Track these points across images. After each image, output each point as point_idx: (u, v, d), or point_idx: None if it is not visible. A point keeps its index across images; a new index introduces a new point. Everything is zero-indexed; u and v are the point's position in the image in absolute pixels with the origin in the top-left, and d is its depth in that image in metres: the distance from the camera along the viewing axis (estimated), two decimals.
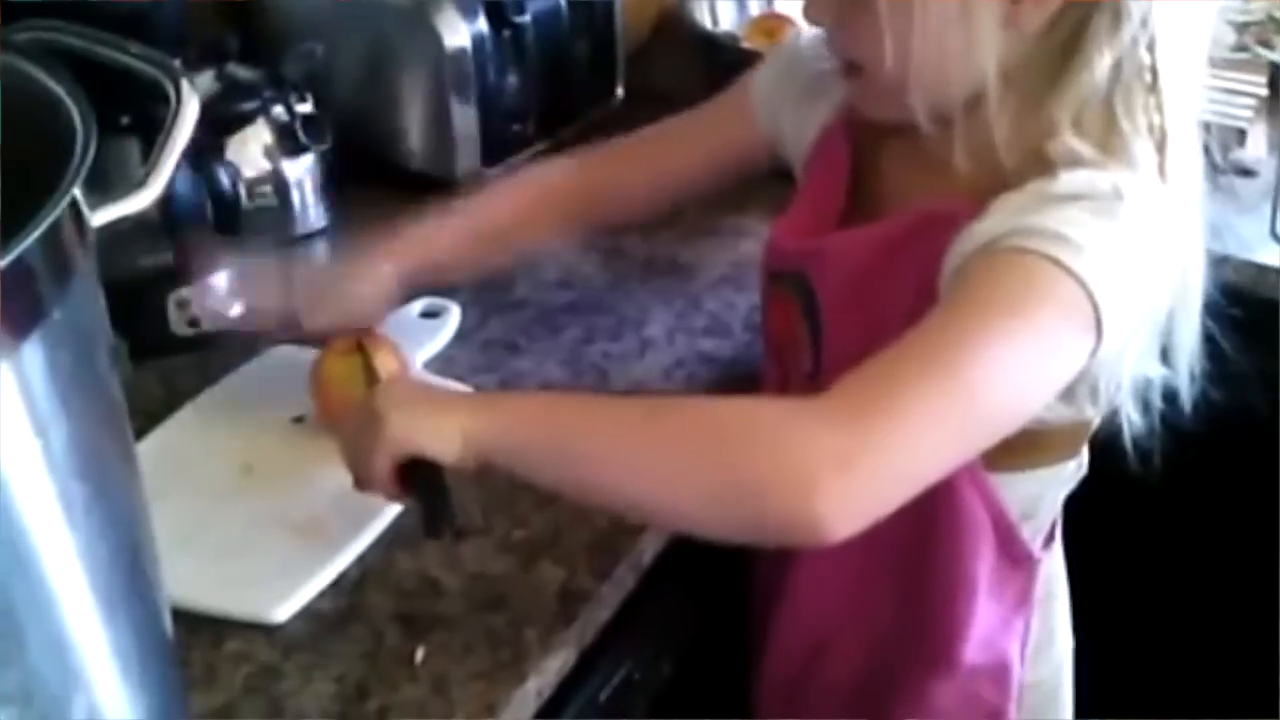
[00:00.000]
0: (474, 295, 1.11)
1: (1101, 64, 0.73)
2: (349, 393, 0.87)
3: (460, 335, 1.06)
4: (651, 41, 1.56)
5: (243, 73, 1.13)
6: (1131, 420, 0.82)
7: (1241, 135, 1.31)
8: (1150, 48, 0.73)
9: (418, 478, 0.73)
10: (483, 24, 1.19)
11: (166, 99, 0.80)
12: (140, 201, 0.58)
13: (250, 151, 1.14)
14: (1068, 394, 0.77)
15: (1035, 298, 0.69)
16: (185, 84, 0.65)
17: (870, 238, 0.82)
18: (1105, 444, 0.85)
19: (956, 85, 0.75)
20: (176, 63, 0.69)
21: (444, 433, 0.71)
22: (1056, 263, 0.68)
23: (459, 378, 1.01)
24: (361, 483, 0.77)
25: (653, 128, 1.02)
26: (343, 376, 0.90)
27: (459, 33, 1.18)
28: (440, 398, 0.81)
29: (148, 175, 0.60)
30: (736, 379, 1.03)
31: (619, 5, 1.35)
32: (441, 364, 1.03)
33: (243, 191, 1.14)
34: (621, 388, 1.01)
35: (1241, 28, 1.41)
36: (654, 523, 0.74)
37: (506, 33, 1.21)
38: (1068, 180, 0.71)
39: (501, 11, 1.20)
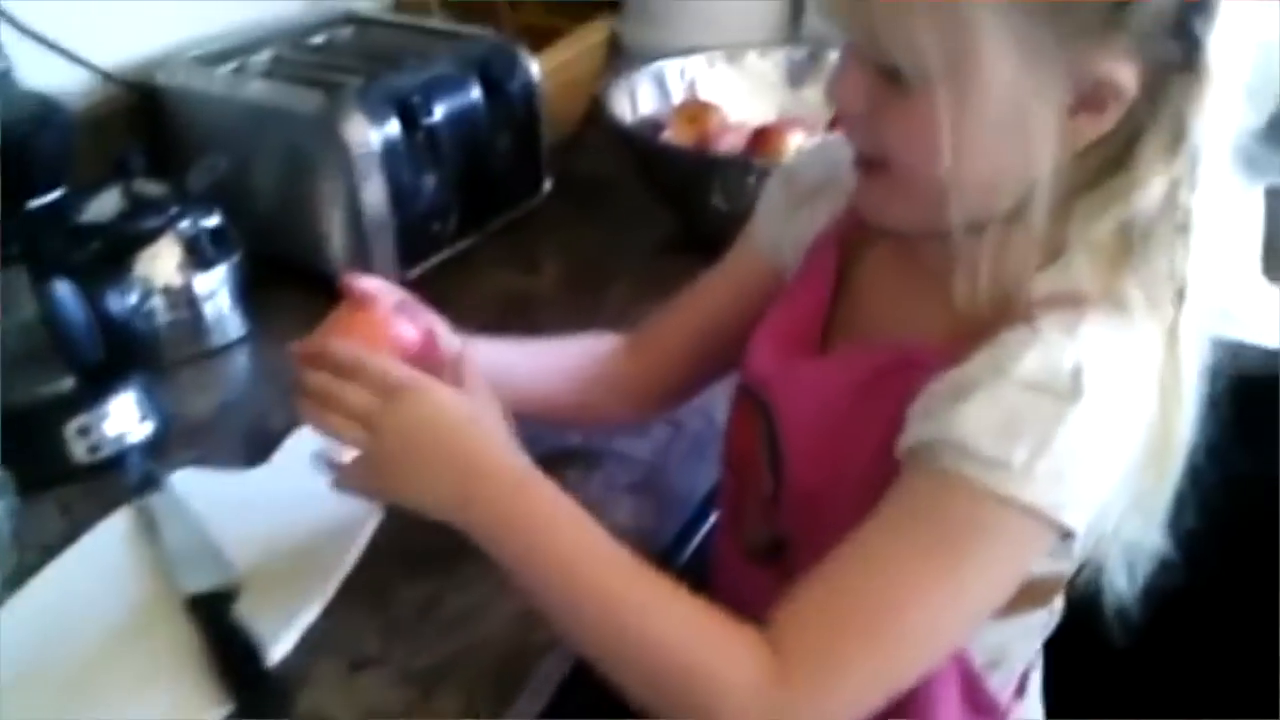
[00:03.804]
0: None
1: (1152, 192, 0.66)
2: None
3: None
4: (582, 130, 1.55)
5: (149, 188, 1.12)
6: (1113, 585, 0.77)
7: None
8: (1193, 184, 0.66)
9: None
10: (393, 126, 1.18)
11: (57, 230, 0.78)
12: None
13: (161, 267, 1.13)
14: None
15: (982, 538, 0.66)
16: None
17: (837, 373, 0.78)
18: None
19: (1003, 195, 0.68)
20: None
21: (435, 495, 0.75)
22: (1003, 500, 0.64)
23: None
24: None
25: (685, 294, 0.96)
26: (360, 335, 0.82)
27: (367, 138, 1.16)
28: (445, 453, 0.75)
29: None
30: None
31: (541, 98, 1.35)
32: None
33: (157, 307, 1.13)
34: None
35: None
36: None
37: (419, 134, 1.20)
38: (1030, 366, 0.65)
39: (412, 113, 1.19)
